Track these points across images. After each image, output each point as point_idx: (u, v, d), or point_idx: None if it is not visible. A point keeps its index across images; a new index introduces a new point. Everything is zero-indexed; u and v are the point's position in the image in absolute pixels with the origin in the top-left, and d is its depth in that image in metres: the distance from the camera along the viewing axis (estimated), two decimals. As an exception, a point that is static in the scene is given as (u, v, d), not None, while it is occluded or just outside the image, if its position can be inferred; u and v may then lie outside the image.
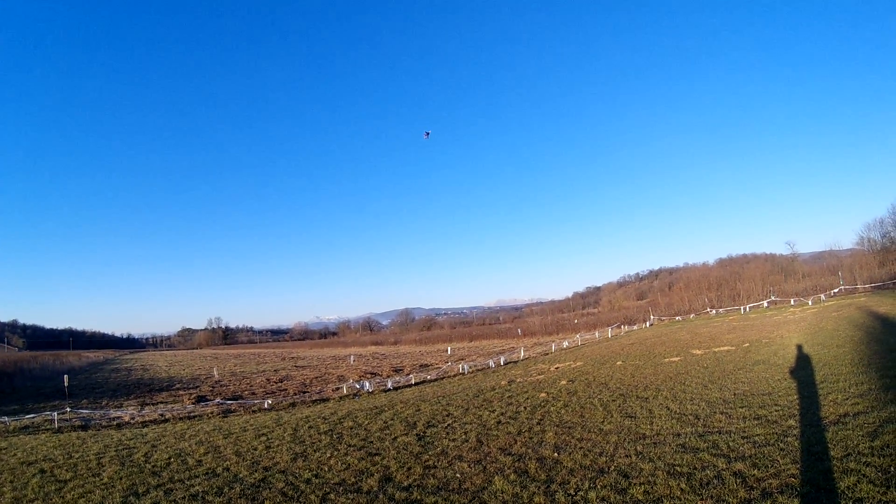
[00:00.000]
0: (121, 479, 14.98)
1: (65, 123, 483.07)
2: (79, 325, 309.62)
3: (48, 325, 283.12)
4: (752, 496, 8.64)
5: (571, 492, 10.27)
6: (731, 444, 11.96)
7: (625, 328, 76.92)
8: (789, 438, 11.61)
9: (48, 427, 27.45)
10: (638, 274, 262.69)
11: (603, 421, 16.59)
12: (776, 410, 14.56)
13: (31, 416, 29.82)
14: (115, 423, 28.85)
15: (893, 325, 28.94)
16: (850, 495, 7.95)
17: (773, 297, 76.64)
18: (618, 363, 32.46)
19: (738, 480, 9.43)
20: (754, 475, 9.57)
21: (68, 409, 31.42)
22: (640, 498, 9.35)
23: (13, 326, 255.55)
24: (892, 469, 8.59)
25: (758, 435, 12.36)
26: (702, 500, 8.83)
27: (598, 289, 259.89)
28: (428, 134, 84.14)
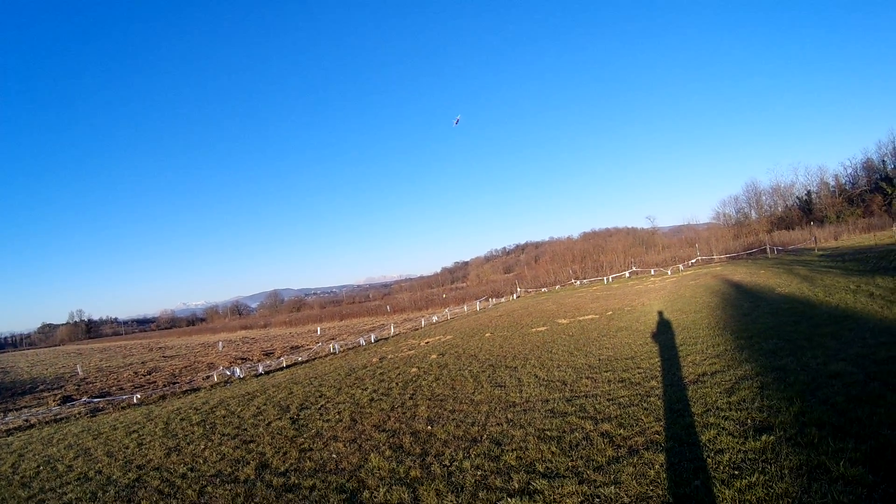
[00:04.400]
0: None
1: None
2: None
3: None
4: (619, 454, 8.97)
5: (447, 462, 10.42)
6: (597, 406, 12.37)
7: (493, 301, 77.98)
8: (652, 398, 12.14)
9: None
10: (505, 248, 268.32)
11: (474, 392, 16.90)
12: (639, 373, 15.17)
13: None
14: None
15: (746, 291, 30.55)
16: (711, 447, 8.38)
17: (634, 268, 79.63)
18: (486, 335, 33.00)
19: (605, 440, 9.77)
20: (621, 434, 9.95)
21: None
22: (514, 463, 9.56)
23: None
24: (748, 422, 9.10)
25: (622, 397, 12.85)
26: (572, 461, 9.08)
27: (465, 264, 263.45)
28: (458, 121, 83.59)
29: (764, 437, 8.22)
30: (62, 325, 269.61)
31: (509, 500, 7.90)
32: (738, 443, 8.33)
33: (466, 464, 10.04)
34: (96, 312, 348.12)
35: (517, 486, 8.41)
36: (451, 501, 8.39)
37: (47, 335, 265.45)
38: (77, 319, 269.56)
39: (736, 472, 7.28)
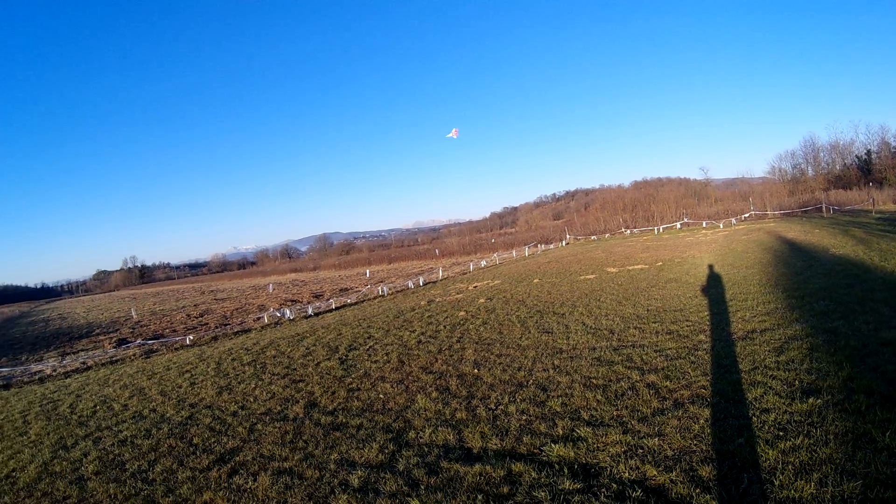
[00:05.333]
0: (48, 434, 14.72)
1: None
2: None
3: None
4: (664, 406, 8.97)
5: (492, 406, 10.55)
6: (644, 357, 12.36)
7: (541, 247, 77.66)
8: (699, 352, 12.04)
9: None
10: (555, 194, 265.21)
11: (521, 337, 16.97)
12: (687, 326, 15.05)
13: None
14: (37, 377, 27.93)
15: (800, 249, 29.97)
16: (757, 406, 8.31)
17: (685, 220, 78.26)
18: (535, 281, 33.02)
19: (651, 392, 9.77)
20: (666, 386, 9.93)
21: None
22: (558, 410, 9.64)
23: None
24: (796, 383, 8.97)
25: (670, 349, 12.80)
26: (617, 410, 9.11)
27: (515, 209, 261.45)
28: (456, 132, 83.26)
29: (811, 400, 8.11)
30: (116, 271, 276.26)
31: (553, 445, 7.97)
32: (784, 403, 8.24)
33: (512, 408, 10.15)
34: (149, 258, 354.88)
35: (561, 432, 8.49)
36: (496, 445, 8.50)
37: (102, 282, 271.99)
38: (131, 266, 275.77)
39: (780, 433, 7.22)
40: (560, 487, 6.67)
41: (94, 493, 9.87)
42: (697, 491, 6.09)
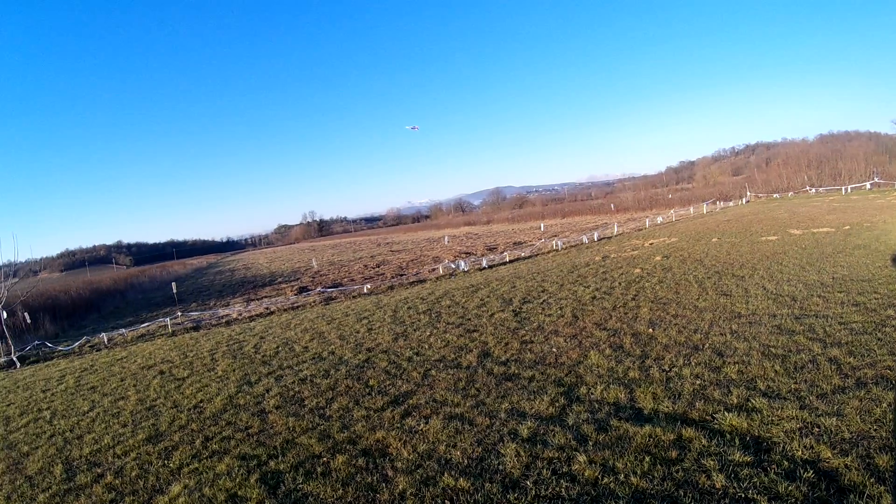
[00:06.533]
0: (234, 370, 16.31)
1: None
2: (179, 236, 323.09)
3: (151, 241, 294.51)
4: (846, 384, 8.63)
5: (666, 367, 10.58)
6: (827, 329, 11.88)
7: (720, 204, 74.98)
8: (887, 328, 11.40)
9: (162, 332, 29.23)
10: (734, 148, 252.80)
11: (698, 298, 16.76)
12: (875, 298, 14.25)
13: (146, 324, 31.79)
14: (223, 320, 30.64)
15: None
16: (949, 393, 7.82)
17: (876, 179, 72.72)
18: (713, 240, 32.20)
19: (832, 367, 9.41)
20: (849, 363, 9.53)
21: (179, 314, 33.40)
22: (734, 377, 9.53)
23: (118, 247, 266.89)
24: None
25: (855, 322, 12.21)
26: (795, 383, 8.89)
27: (691, 163, 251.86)
28: (416, 128, 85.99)
29: None
30: (296, 225, 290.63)
31: (726, 414, 7.92)
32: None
33: (686, 371, 10.13)
34: (327, 212, 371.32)
35: (735, 401, 8.42)
36: (667, 407, 8.56)
37: (283, 235, 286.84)
38: (309, 220, 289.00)
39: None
40: (729, 458, 6.67)
41: (274, 424, 10.79)
42: (872, 481, 5.90)
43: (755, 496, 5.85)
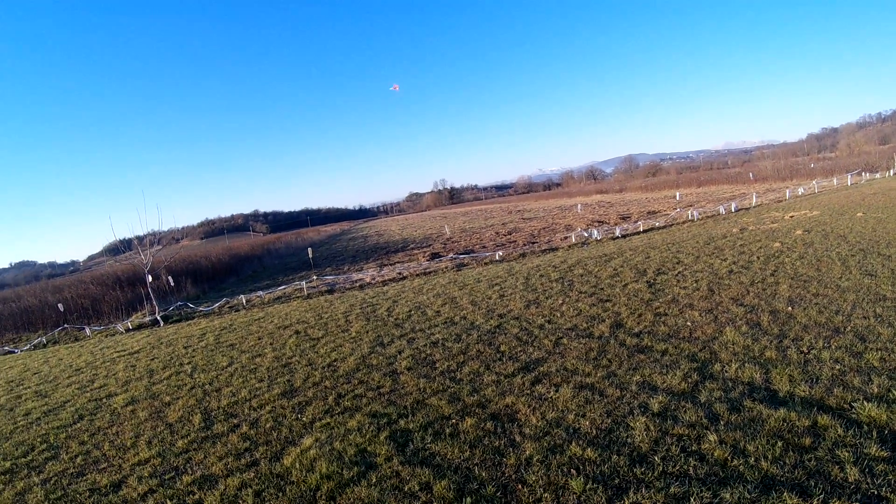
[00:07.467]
0: (367, 332, 17.07)
1: None
2: (314, 204, 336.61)
3: (286, 210, 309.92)
4: None
5: (804, 349, 10.26)
6: None
7: (866, 175, 70.66)
8: None
9: (298, 295, 30.69)
10: (881, 114, 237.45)
11: (840, 277, 15.99)
12: None
13: (282, 287, 33.47)
14: (357, 284, 31.80)
15: None
16: None
17: None
18: (858, 214, 30.48)
19: None
20: None
21: (314, 278, 35.04)
22: (876, 365, 9.13)
23: (255, 216, 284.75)
24: None
25: None
26: (947, 380, 8.43)
27: (834, 130, 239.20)
28: (397, 87, 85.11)
29: None
30: (427, 193, 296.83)
31: (865, 403, 7.65)
32: None
33: (825, 354, 9.79)
34: (457, 181, 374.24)
35: (876, 390, 8.11)
36: (804, 391, 8.37)
37: (414, 202, 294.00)
38: (440, 188, 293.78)
39: None
40: (865, 451, 6.50)
41: (406, 385, 11.28)
42: None
43: (888, 495, 5.69)
